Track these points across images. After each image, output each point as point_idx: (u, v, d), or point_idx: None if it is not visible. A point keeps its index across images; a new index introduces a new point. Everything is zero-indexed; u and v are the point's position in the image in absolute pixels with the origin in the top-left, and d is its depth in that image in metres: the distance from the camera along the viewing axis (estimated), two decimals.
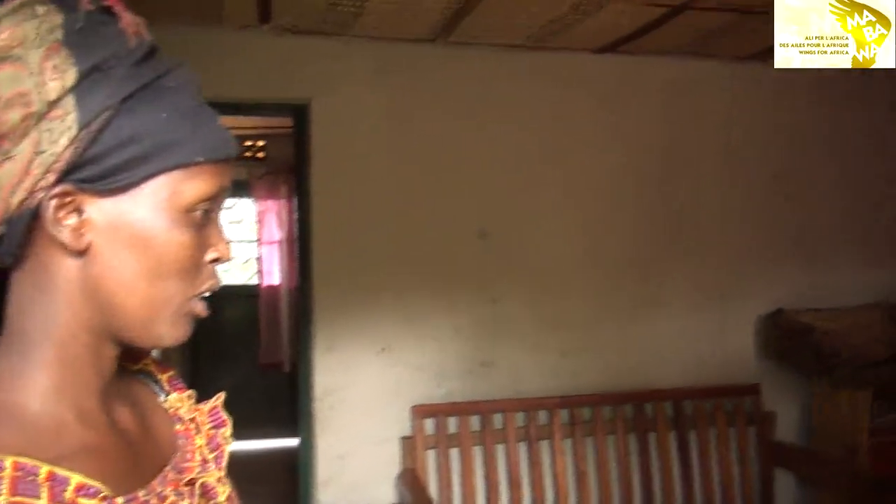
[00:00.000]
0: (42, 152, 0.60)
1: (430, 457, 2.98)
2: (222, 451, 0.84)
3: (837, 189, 3.56)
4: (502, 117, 3.14)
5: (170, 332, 0.71)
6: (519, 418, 3.07)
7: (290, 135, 3.36)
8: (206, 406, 0.86)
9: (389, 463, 3.01)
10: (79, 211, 0.64)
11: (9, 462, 0.57)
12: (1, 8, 0.59)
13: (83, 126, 0.60)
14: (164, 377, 0.85)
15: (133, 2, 0.69)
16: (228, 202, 5.77)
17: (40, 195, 0.61)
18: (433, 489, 2.93)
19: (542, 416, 3.10)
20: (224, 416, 0.86)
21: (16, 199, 0.61)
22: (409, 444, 2.96)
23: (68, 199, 0.63)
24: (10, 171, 0.60)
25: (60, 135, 0.60)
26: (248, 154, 5.43)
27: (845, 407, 3.19)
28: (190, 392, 0.86)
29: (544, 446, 3.09)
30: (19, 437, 0.61)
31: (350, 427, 3.02)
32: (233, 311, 5.63)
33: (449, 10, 2.62)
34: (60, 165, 0.60)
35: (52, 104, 0.59)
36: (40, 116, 0.59)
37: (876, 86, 3.52)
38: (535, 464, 3.05)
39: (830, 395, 3.24)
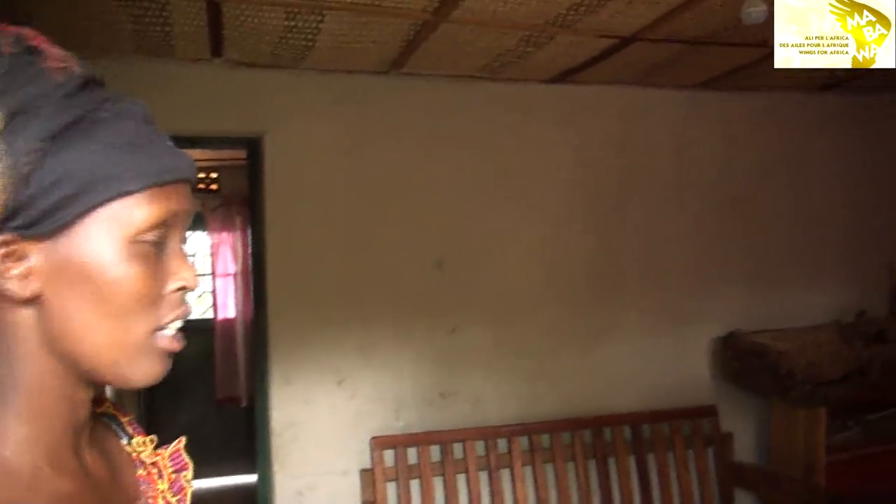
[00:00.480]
0: None
1: (391, 489, 2.95)
2: (185, 495, 0.83)
3: (789, 213, 3.65)
4: (457, 146, 3.16)
5: (141, 369, 0.68)
6: (479, 447, 3.05)
7: (243, 166, 3.34)
8: (168, 451, 0.85)
9: (349, 496, 2.97)
10: (23, 258, 0.62)
11: None
12: None
13: (11, 171, 0.59)
14: (125, 420, 0.84)
15: (82, 36, 0.68)
16: None
17: None
18: None
19: (502, 444, 3.09)
20: (186, 459, 0.85)
21: None
22: (369, 477, 2.93)
23: (11, 247, 0.61)
24: None
25: None
26: (201, 186, 5.38)
27: (802, 426, 3.24)
28: (152, 437, 0.84)
29: (505, 474, 3.08)
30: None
31: (309, 461, 2.98)
32: (188, 346, 5.31)
33: (400, 43, 2.64)
34: None
35: None
36: None
37: (822, 109, 3.63)
38: (496, 492, 3.04)
39: (787, 414, 3.28)
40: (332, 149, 3.03)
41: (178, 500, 0.82)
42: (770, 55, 2.87)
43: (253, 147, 3.07)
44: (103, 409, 0.82)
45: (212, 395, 5.40)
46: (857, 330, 3.45)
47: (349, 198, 3.04)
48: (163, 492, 0.81)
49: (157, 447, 0.85)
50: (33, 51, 0.63)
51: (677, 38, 2.67)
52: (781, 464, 3.32)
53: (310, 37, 2.53)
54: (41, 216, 0.61)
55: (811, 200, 3.69)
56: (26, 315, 0.63)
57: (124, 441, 0.82)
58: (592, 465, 3.19)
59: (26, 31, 0.63)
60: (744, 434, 3.50)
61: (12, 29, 0.63)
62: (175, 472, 0.83)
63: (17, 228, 0.61)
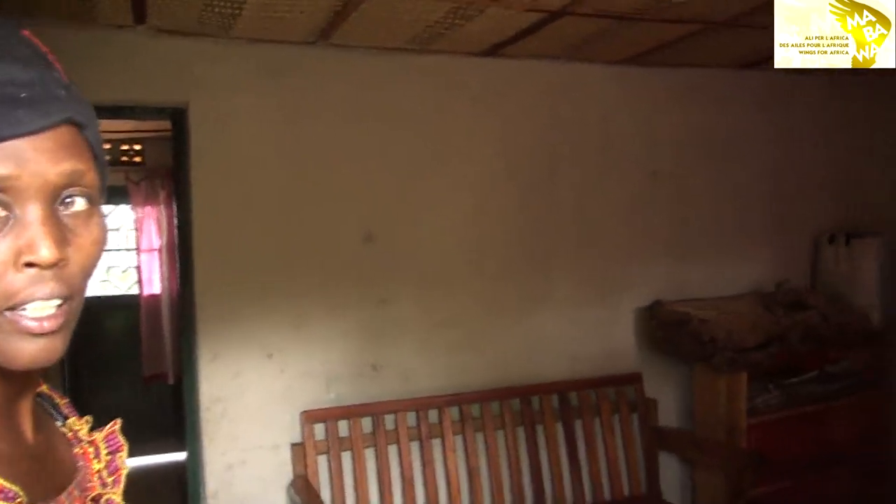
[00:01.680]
0: None
1: (322, 462, 2.96)
2: (120, 475, 0.83)
3: (713, 186, 3.76)
4: (386, 119, 3.15)
5: (4, 352, 0.62)
6: (410, 418, 3.08)
7: (168, 138, 3.26)
8: (103, 432, 0.84)
9: (280, 471, 2.97)
10: None
11: None
12: None
13: None
14: (62, 403, 0.84)
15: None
16: (105, 209, 5.55)
17: None
18: (326, 495, 2.91)
19: (433, 414, 3.12)
20: (121, 440, 0.85)
21: None
22: (300, 451, 2.92)
23: None
24: None
25: None
26: (124, 158, 5.22)
27: (724, 391, 3.36)
28: (87, 417, 0.84)
29: (436, 445, 3.12)
30: None
31: (239, 436, 2.96)
32: (113, 323, 5.43)
33: (329, 13, 2.61)
34: None
35: None
36: None
37: (746, 86, 3.74)
38: (427, 462, 3.08)
39: (709, 380, 3.40)
40: (260, 120, 2.98)
41: (114, 480, 0.81)
42: (697, 31, 2.97)
43: (178, 118, 3.00)
44: (39, 390, 0.81)
45: (138, 373, 5.29)
46: (777, 299, 3.59)
47: (277, 170, 3.01)
48: (98, 471, 0.80)
49: (91, 429, 0.84)
50: None
51: (606, 12, 2.70)
52: (704, 427, 3.45)
53: (236, 5, 2.48)
54: None
55: (735, 174, 3.81)
56: None
57: (59, 422, 0.81)
58: (521, 433, 3.26)
59: None
60: (668, 400, 3.63)
61: None
62: (110, 452, 0.83)
63: None
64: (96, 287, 5.61)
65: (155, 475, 4.89)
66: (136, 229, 5.29)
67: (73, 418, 0.82)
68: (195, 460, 3.00)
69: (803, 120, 3.94)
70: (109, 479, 0.81)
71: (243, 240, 2.96)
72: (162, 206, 5.21)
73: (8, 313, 0.61)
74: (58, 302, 0.63)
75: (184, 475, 3.24)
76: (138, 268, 5.32)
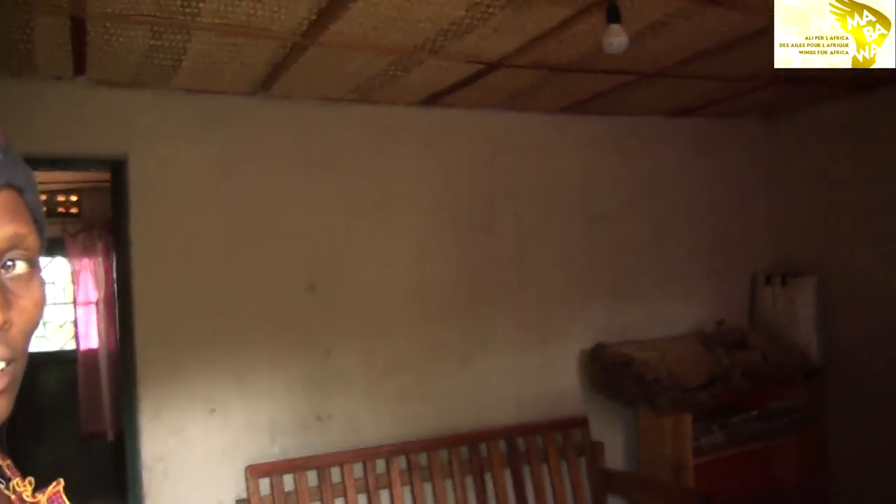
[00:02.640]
0: None
1: None
2: None
3: (649, 229, 3.85)
4: (327, 169, 3.16)
5: None
6: (357, 469, 3.04)
7: (106, 188, 3.21)
8: (46, 494, 0.81)
9: None
10: None
11: None
12: None
13: None
14: (3, 464, 0.81)
15: None
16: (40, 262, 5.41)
17: None
18: None
19: (380, 464, 3.08)
20: (65, 500, 0.83)
21: None
22: None
23: None
24: None
25: None
26: (61, 210, 5.12)
27: (669, 431, 3.39)
28: (30, 479, 0.81)
29: (384, 496, 3.07)
30: None
31: (182, 495, 2.87)
32: (49, 379, 5.27)
33: (269, 65, 2.62)
34: None
35: None
36: None
37: (682, 131, 3.87)
38: None
39: (654, 420, 3.43)
40: (200, 171, 2.96)
41: None
42: (630, 82, 3.07)
43: (117, 169, 2.95)
44: None
45: (76, 430, 5.12)
46: (718, 339, 3.66)
47: (218, 221, 2.98)
48: None
49: (35, 490, 0.81)
50: None
51: (541, 64, 2.77)
52: (651, 468, 3.47)
53: (176, 56, 2.48)
54: None
55: (673, 217, 3.90)
56: None
57: (1, 486, 0.79)
58: (470, 481, 3.23)
59: None
60: (614, 442, 3.64)
61: None
62: None
63: None
64: (32, 342, 5.44)
65: None
66: (73, 282, 5.17)
67: (17, 479, 0.80)
68: None
69: (738, 163, 4.07)
70: None
71: (184, 291, 2.91)
72: (100, 258, 5.11)
73: None
74: (2, 365, 0.63)
75: None
76: (75, 322, 5.19)
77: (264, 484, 2.88)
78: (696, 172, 3.96)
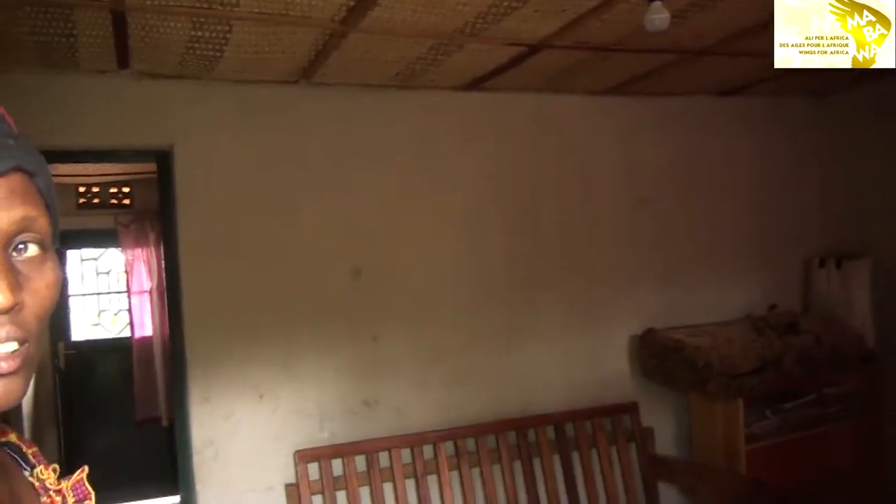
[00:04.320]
0: None
1: (317, 502, 2.91)
2: None
3: (698, 212, 3.77)
4: (371, 154, 3.16)
5: None
6: (405, 455, 3.05)
7: (155, 179, 3.27)
8: (70, 480, 0.83)
9: None
10: None
11: None
12: None
13: None
14: (29, 452, 0.82)
15: None
16: (95, 253, 5.55)
17: None
18: None
19: (428, 450, 3.09)
20: (88, 488, 0.84)
21: None
22: (294, 492, 2.88)
23: None
24: None
25: None
26: (113, 201, 5.23)
27: (720, 417, 3.34)
28: (54, 466, 0.83)
29: (432, 481, 3.08)
30: None
31: (232, 479, 2.93)
32: (105, 367, 5.39)
33: (309, 53, 2.63)
34: None
35: None
36: None
37: (730, 111, 3.77)
38: (423, 500, 3.04)
39: (705, 407, 3.38)
40: (244, 158, 2.99)
41: None
42: (674, 61, 3.01)
43: (162, 160, 3.00)
44: (6, 439, 0.80)
45: (131, 416, 5.25)
46: (770, 323, 3.58)
47: (263, 209, 3.01)
48: None
49: (63, 476, 0.83)
50: None
51: (583, 45, 2.73)
52: (702, 455, 3.42)
53: (217, 47, 2.50)
54: None
55: (722, 199, 3.82)
56: None
57: (27, 472, 0.80)
58: (518, 467, 3.22)
59: None
60: (665, 428, 3.59)
61: None
62: (77, 501, 0.82)
63: None
64: (88, 330, 5.59)
65: None
66: (127, 272, 5.28)
67: (41, 467, 0.81)
68: None
69: (789, 143, 3.96)
70: None
71: (231, 279, 2.95)
72: (152, 248, 5.21)
73: None
74: (14, 346, 0.64)
75: None
76: (129, 310, 5.31)
77: (313, 469, 2.91)
78: (744, 153, 3.87)
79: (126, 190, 5.25)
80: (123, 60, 2.62)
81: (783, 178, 3.96)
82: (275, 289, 3.01)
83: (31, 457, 0.82)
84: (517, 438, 3.23)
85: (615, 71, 3.13)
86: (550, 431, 3.31)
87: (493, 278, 3.37)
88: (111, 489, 5.04)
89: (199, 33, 2.37)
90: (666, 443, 3.58)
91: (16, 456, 0.81)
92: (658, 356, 3.46)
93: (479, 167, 3.36)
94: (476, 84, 3.17)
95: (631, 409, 3.48)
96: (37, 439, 4.71)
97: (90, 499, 0.83)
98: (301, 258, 3.05)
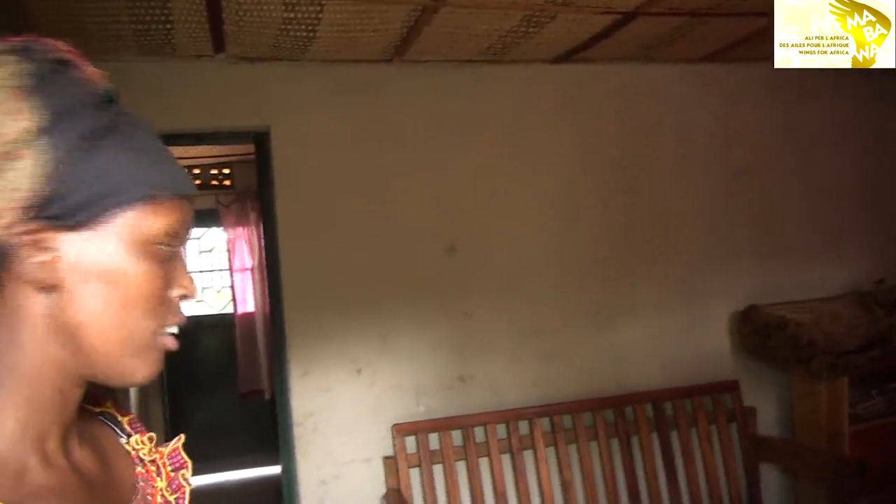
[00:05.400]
0: (8, 189, 0.62)
1: (414, 475, 2.96)
2: (183, 493, 0.84)
3: (799, 184, 3.61)
4: (463, 131, 3.15)
5: (139, 367, 0.71)
6: (500, 430, 3.06)
7: (254, 160, 3.35)
8: (167, 448, 0.86)
9: (373, 484, 2.99)
10: (50, 248, 0.65)
11: None
12: None
13: (52, 165, 0.64)
14: (124, 420, 0.85)
15: (83, 38, 0.71)
16: (198, 232, 5.76)
17: (14, 231, 0.63)
18: None
19: (524, 426, 3.09)
20: (184, 457, 0.86)
21: None
22: (392, 464, 2.94)
23: (39, 235, 0.64)
24: None
25: (26, 173, 0.63)
26: (214, 182, 5.41)
27: (824, 397, 3.21)
28: (150, 434, 0.85)
29: (528, 457, 3.08)
30: None
31: (331, 450, 3.00)
32: (209, 341, 5.60)
33: (401, 30, 2.63)
34: (25, 203, 0.63)
35: (17, 144, 0.62)
36: (5, 156, 0.62)
37: (831, 78, 3.58)
38: (519, 475, 3.05)
39: (809, 385, 3.26)
40: (339, 137, 3.03)
41: (177, 499, 0.83)
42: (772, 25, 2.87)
43: (260, 140, 3.08)
44: (102, 408, 0.83)
45: (235, 390, 5.45)
46: (877, 298, 3.41)
47: (358, 186, 3.05)
48: (161, 489, 0.81)
49: (159, 445, 0.85)
50: (68, 62, 0.68)
51: (680, 10, 2.63)
52: (805, 435, 3.30)
53: (310, 28, 2.53)
54: (72, 209, 0.65)
55: (824, 170, 3.65)
56: (41, 302, 0.66)
57: (123, 440, 0.83)
58: (615, 445, 3.19)
59: (61, 44, 0.69)
60: (766, 407, 3.49)
61: (49, 41, 0.68)
62: (174, 470, 0.85)
63: (48, 218, 0.65)
64: (193, 307, 5.81)
65: (254, 488, 5.03)
66: (229, 250, 5.46)
67: (136, 436, 0.84)
68: (290, 475, 3.05)
69: (892, 114, 3.74)
70: (172, 498, 0.82)
71: (328, 257, 3.01)
72: (252, 227, 5.37)
73: (159, 334, 0.73)
74: (177, 329, 0.75)
75: (280, 488, 3.30)
76: (232, 287, 5.49)
77: (410, 442, 2.96)
78: (848, 121, 3.67)
79: (226, 171, 5.42)
80: (219, 45, 2.69)
81: (890, 147, 3.74)
82: (370, 266, 3.05)
83: (126, 425, 0.85)
84: (614, 416, 3.19)
85: (713, 36, 3.00)
86: (649, 409, 3.25)
87: (587, 253, 3.32)
88: (215, 459, 5.27)
89: (292, 15, 2.40)
90: (767, 423, 3.47)
91: (111, 425, 0.83)
92: (760, 333, 3.34)
93: (572, 141, 3.30)
94: (568, 56, 3.11)
95: (732, 387, 3.38)
96: (143, 411, 4.94)
97: (187, 468, 0.86)
98: (395, 235, 3.08)
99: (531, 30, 2.72)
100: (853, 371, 3.14)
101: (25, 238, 0.64)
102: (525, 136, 3.24)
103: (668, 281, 3.42)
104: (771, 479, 3.45)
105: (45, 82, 0.65)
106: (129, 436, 0.84)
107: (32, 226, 0.64)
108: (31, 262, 0.64)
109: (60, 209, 0.64)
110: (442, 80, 3.11)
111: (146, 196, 0.69)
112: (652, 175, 3.40)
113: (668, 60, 3.31)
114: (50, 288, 0.66)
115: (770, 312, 3.32)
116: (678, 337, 3.43)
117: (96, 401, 0.82)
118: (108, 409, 0.84)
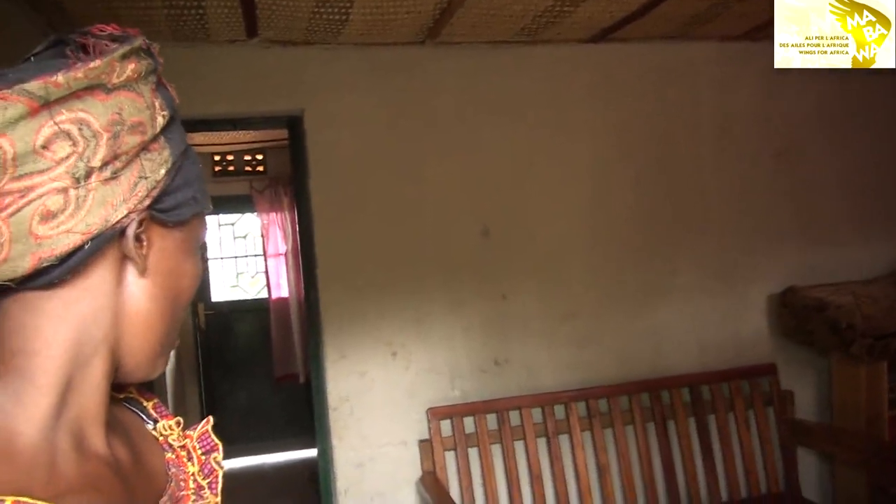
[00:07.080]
0: (144, 178, 0.66)
1: (450, 458, 2.97)
2: (216, 477, 0.83)
3: (837, 166, 3.53)
4: (497, 112, 3.13)
5: (160, 364, 0.76)
6: (536, 414, 3.05)
7: (286, 146, 3.36)
8: (196, 432, 0.84)
9: (409, 467, 3.01)
10: (147, 238, 0.69)
11: (8, 502, 0.55)
12: (124, 45, 0.65)
13: (174, 161, 0.69)
14: (149, 405, 0.84)
15: (117, 24, 0.71)
16: (232, 217, 5.80)
17: (133, 217, 0.66)
18: (455, 490, 2.93)
19: (559, 410, 3.08)
20: (214, 440, 0.85)
21: (115, 217, 0.63)
22: (427, 447, 2.95)
23: (146, 224, 0.69)
24: (114, 190, 0.63)
25: (160, 165, 0.67)
26: (248, 168, 5.44)
27: (864, 381, 3.16)
28: (178, 419, 0.84)
29: (564, 440, 3.08)
30: (16, 473, 0.59)
31: (367, 433, 3.02)
32: (244, 326, 5.65)
33: (434, 12, 2.61)
34: (157, 192, 0.67)
35: (156, 137, 0.67)
36: (146, 146, 0.66)
37: None
38: (555, 458, 3.04)
39: (848, 369, 3.21)
40: (373, 121, 3.02)
41: (210, 483, 0.82)
42: None
43: (294, 125, 3.09)
44: (125, 394, 0.82)
45: (270, 374, 5.50)
46: None
47: (392, 170, 3.04)
48: (193, 474, 0.81)
49: (187, 428, 0.84)
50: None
51: None
52: (844, 420, 3.25)
53: (343, 11, 2.52)
54: (174, 207, 0.71)
55: (865, 150, 3.56)
56: (113, 287, 0.68)
57: (150, 425, 0.82)
58: (652, 429, 3.17)
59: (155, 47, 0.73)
60: (804, 392, 3.44)
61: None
62: (204, 453, 0.83)
63: (160, 210, 0.69)
64: (227, 292, 5.87)
65: (290, 471, 5.08)
66: (263, 235, 5.50)
67: (163, 422, 0.83)
68: (326, 458, 3.08)
69: None
70: (205, 482, 0.81)
71: (362, 240, 3.01)
72: (286, 212, 5.39)
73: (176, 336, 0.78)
74: None
75: (317, 471, 3.33)
76: (266, 272, 5.53)
77: (445, 425, 2.96)
78: (891, 100, 3.57)
79: (259, 157, 5.45)
80: (252, 29, 2.69)
81: None
82: (404, 249, 3.05)
83: (151, 409, 0.84)
84: (650, 400, 3.17)
85: (754, 11, 2.93)
86: (685, 393, 3.22)
87: (623, 235, 3.28)
88: (251, 442, 5.33)
89: None
90: (805, 406, 3.43)
91: (137, 410, 0.82)
92: (798, 316, 3.29)
93: (608, 121, 3.26)
94: (604, 35, 3.06)
95: (769, 371, 3.34)
96: (179, 394, 4.99)
97: (217, 450, 0.84)
98: (430, 217, 3.07)
99: (566, 9, 2.68)
100: (893, 354, 3.08)
101: (137, 225, 0.67)
102: (560, 117, 3.21)
103: (706, 262, 3.37)
104: (808, 463, 3.41)
105: (161, 83, 0.70)
106: (155, 421, 0.82)
107: (146, 214, 0.68)
108: (137, 248, 0.68)
109: (167, 205, 0.69)
110: (476, 62, 3.09)
111: (206, 208, 0.77)
112: (689, 155, 3.35)
113: (708, 38, 3.25)
114: (141, 272, 0.69)
115: (809, 294, 3.26)
116: (715, 319, 3.38)
117: (120, 388, 0.81)
118: (131, 395, 0.83)
